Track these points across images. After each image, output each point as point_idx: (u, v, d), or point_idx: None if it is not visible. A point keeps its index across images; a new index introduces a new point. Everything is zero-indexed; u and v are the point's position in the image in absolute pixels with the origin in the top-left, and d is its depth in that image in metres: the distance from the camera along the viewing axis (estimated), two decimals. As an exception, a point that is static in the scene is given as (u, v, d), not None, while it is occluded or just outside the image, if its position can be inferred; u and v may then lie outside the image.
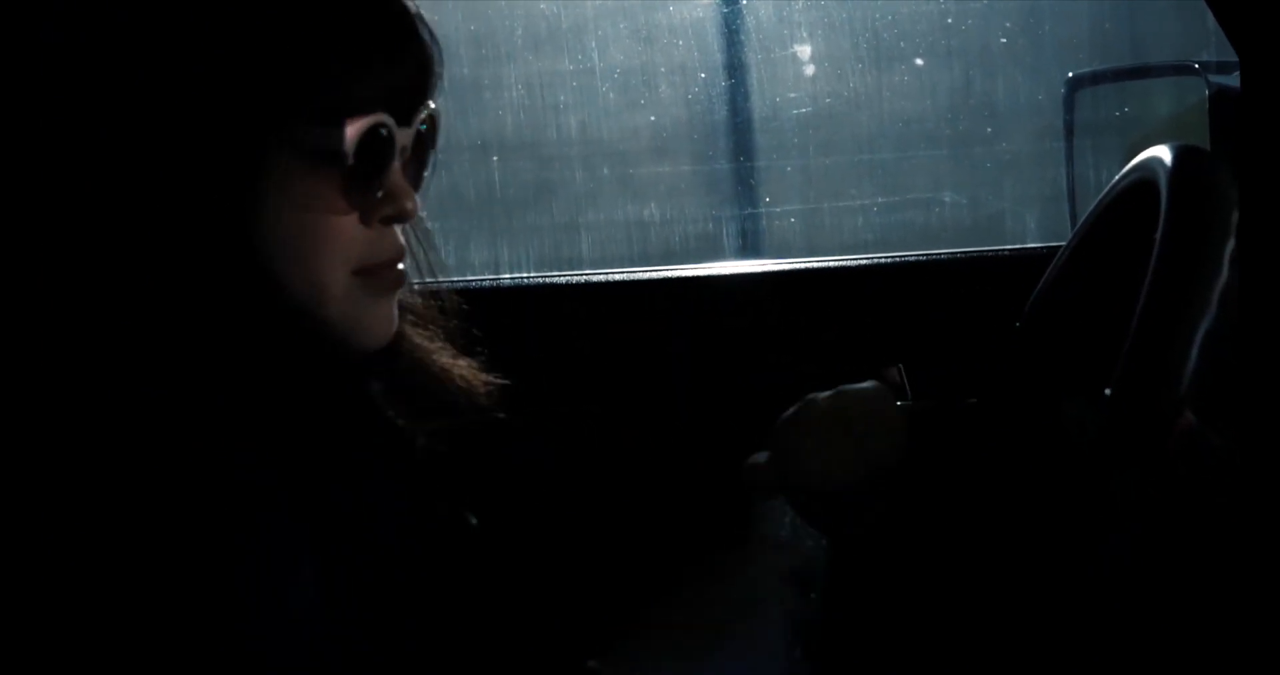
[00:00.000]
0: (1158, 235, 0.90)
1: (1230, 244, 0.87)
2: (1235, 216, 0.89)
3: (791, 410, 1.04)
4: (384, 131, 0.76)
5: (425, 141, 0.82)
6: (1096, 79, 1.88)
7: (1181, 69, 1.71)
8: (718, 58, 1.97)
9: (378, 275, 0.80)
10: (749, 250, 2.01)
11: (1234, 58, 0.85)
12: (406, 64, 0.78)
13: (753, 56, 1.96)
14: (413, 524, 0.80)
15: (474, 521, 0.89)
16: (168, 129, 0.71)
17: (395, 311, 0.83)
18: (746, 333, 1.58)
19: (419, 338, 0.90)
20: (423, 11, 0.79)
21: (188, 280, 0.71)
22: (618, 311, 1.61)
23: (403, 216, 0.80)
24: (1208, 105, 1.52)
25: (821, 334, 1.56)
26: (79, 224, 0.71)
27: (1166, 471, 0.85)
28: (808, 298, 1.59)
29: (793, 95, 1.98)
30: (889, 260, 1.62)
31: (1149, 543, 0.89)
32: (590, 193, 2.03)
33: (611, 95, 1.98)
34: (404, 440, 0.84)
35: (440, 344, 0.91)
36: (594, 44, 1.97)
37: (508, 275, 1.87)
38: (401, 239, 0.82)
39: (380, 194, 0.78)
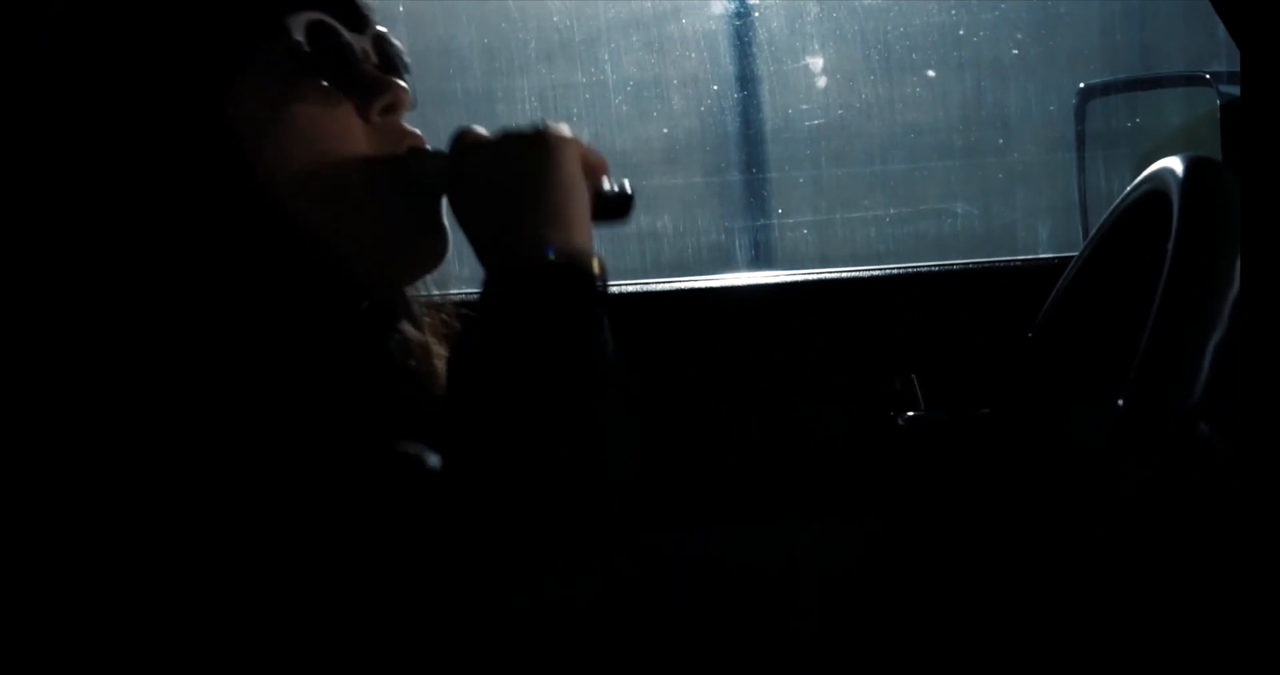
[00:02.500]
0: (1169, 246, 0.90)
1: (1241, 255, 0.87)
2: (1247, 228, 0.89)
3: None
4: (327, 24, 0.78)
5: (389, 54, 0.84)
6: (1108, 89, 1.88)
7: (1192, 79, 1.72)
8: (730, 69, 1.97)
9: (405, 167, 0.81)
10: (761, 261, 2.02)
11: (1245, 69, 0.85)
12: None
13: (765, 68, 1.96)
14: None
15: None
16: (141, 71, 0.74)
17: (445, 226, 0.83)
18: (759, 343, 1.58)
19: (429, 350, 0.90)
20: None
21: (195, 218, 0.74)
22: (631, 323, 1.61)
23: (398, 102, 0.81)
24: (1218, 116, 1.53)
25: (834, 345, 1.56)
26: (82, 174, 0.74)
27: (1178, 481, 0.85)
28: (820, 308, 1.59)
29: (805, 107, 1.98)
30: (901, 271, 1.63)
31: (1160, 551, 0.89)
32: (603, 204, 2.02)
33: (624, 107, 1.99)
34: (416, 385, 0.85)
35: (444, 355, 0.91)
36: (607, 56, 1.97)
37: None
38: (413, 129, 0.83)
39: (362, 85, 0.80)
